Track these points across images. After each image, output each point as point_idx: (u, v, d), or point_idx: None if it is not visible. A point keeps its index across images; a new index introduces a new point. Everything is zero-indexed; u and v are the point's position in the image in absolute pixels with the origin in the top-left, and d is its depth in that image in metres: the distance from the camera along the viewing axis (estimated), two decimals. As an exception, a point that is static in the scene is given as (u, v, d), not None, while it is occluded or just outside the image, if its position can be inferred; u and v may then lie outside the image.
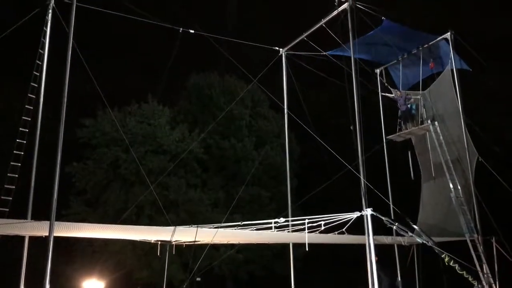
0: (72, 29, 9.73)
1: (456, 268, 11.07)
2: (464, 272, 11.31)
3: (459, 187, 14.45)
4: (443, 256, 10.98)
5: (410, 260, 15.72)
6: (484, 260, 13.12)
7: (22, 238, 10.87)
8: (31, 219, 10.02)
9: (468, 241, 13.51)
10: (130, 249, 20.07)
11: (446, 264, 11.03)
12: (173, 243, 12.34)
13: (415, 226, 11.74)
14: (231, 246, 19.44)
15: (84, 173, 22.03)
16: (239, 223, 10.74)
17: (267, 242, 17.17)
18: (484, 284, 12.63)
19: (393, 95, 16.64)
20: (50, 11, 11.73)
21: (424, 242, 11.60)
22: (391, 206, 14.22)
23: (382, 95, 17.41)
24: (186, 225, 11.74)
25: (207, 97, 26.09)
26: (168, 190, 21.62)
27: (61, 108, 9.01)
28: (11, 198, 10.36)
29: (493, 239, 13.89)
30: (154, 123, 23.14)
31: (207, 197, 22.88)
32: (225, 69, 26.71)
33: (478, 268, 12.96)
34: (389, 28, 14.39)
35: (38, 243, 10.23)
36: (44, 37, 11.68)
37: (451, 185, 14.43)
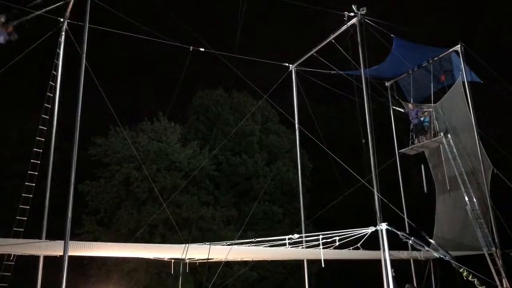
0: (85, 50, 9.87)
1: (475, 282, 10.85)
2: (484, 287, 11.07)
3: (474, 200, 14.27)
4: (461, 270, 10.78)
5: (427, 276, 15.44)
6: (503, 274, 12.87)
7: (37, 257, 10.91)
8: (46, 238, 10.08)
9: (486, 255, 13.29)
10: (143, 267, 20.01)
11: (465, 278, 10.83)
12: (187, 261, 12.27)
13: (431, 240, 11.56)
14: (245, 263, 19.29)
15: (97, 191, 22.14)
16: (253, 240, 10.67)
17: (281, 259, 17.03)
18: (505, 298, 12.37)
19: (404, 109, 16.61)
20: (63, 32, 11.97)
21: (441, 256, 11.41)
22: (406, 220, 14.03)
23: (393, 109, 17.37)
24: (199, 242, 11.68)
25: (215, 115, 26.23)
26: (181, 207, 21.61)
27: (74, 128, 9.09)
28: (25, 218, 10.45)
29: (512, 252, 13.64)
30: (166, 140, 23.26)
31: (219, 214, 22.81)
32: (234, 85, 26.89)
33: (498, 283, 12.71)
34: (400, 45, 14.45)
35: (53, 262, 10.25)
36: (57, 59, 11.89)
37: (466, 198, 14.26)
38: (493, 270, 12.91)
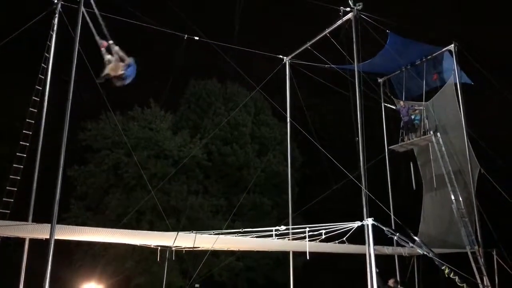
0: (78, 33, 9.79)
1: (456, 280, 11.01)
2: (465, 285, 11.24)
3: (460, 199, 14.46)
4: (443, 268, 10.93)
5: (410, 271, 15.66)
6: (484, 273, 13.10)
7: (22, 240, 10.88)
8: (32, 221, 10.05)
9: (469, 253, 13.50)
10: (130, 253, 20.04)
11: (446, 276, 10.98)
12: (173, 248, 12.31)
13: (416, 237, 11.70)
14: (231, 253, 19.39)
15: (86, 176, 22.08)
16: (240, 230, 10.73)
17: (267, 250, 17.14)
18: (485, 296, 12.59)
19: (395, 106, 16.70)
20: (57, 15, 11.84)
21: (425, 253, 11.56)
22: (392, 216, 14.18)
23: (384, 105, 17.45)
24: (187, 231, 11.72)
25: (206, 104, 26.18)
26: (169, 195, 21.62)
27: (65, 112, 9.05)
28: (12, 200, 10.40)
29: (494, 251, 13.87)
30: (156, 128, 23.20)
31: (208, 204, 22.86)
32: (228, 76, 26.83)
33: (479, 281, 12.92)
34: (394, 41, 14.48)
35: (38, 245, 10.24)
36: (50, 41, 11.77)
37: (452, 197, 14.44)
38: (474, 269, 13.12)
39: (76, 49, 9.62)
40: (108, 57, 9.51)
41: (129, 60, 9.65)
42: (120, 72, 9.40)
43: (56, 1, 11.77)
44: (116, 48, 9.68)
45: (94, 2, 10.40)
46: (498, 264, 13.69)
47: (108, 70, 9.36)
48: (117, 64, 9.45)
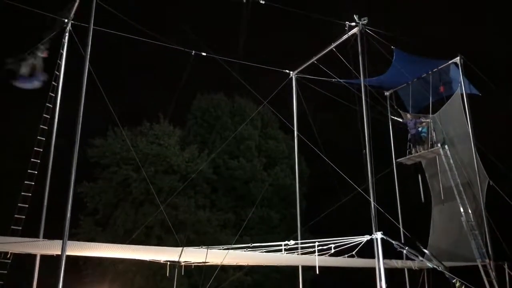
0: (89, 51, 9.96)
1: (468, 293, 10.94)
2: (476, 298, 11.16)
3: (470, 211, 14.37)
4: (454, 281, 10.87)
5: (420, 285, 15.52)
6: (496, 286, 12.96)
7: (32, 257, 10.96)
8: (43, 237, 10.13)
9: (480, 266, 13.37)
10: (138, 269, 20.04)
11: (458, 289, 10.91)
12: (182, 263, 12.33)
13: (425, 250, 11.65)
14: (239, 268, 19.32)
15: (95, 192, 22.20)
16: (249, 244, 10.75)
17: (276, 265, 17.08)
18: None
19: (403, 119, 16.73)
20: (67, 34, 12.07)
21: (435, 266, 11.50)
22: (401, 229, 14.12)
23: (392, 118, 17.48)
24: (195, 245, 11.75)
25: (213, 118, 26.32)
26: (177, 210, 21.66)
27: (75, 129, 9.18)
28: (24, 217, 10.51)
29: (506, 264, 13.72)
30: (164, 144, 23.33)
31: (216, 218, 22.87)
32: (235, 90, 27.03)
33: (490, 294, 12.79)
34: (400, 57, 14.58)
35: (49, 261, 10.31)
36: (60, 59, 11.98)
37: (461, 209, 14.37)
38: (486, 282, 12.99)
39: (86, 67, 9.77)
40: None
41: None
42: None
43: (66, 20, 12.01)
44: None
45: None
46: (510, 277, 13.54)
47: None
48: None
